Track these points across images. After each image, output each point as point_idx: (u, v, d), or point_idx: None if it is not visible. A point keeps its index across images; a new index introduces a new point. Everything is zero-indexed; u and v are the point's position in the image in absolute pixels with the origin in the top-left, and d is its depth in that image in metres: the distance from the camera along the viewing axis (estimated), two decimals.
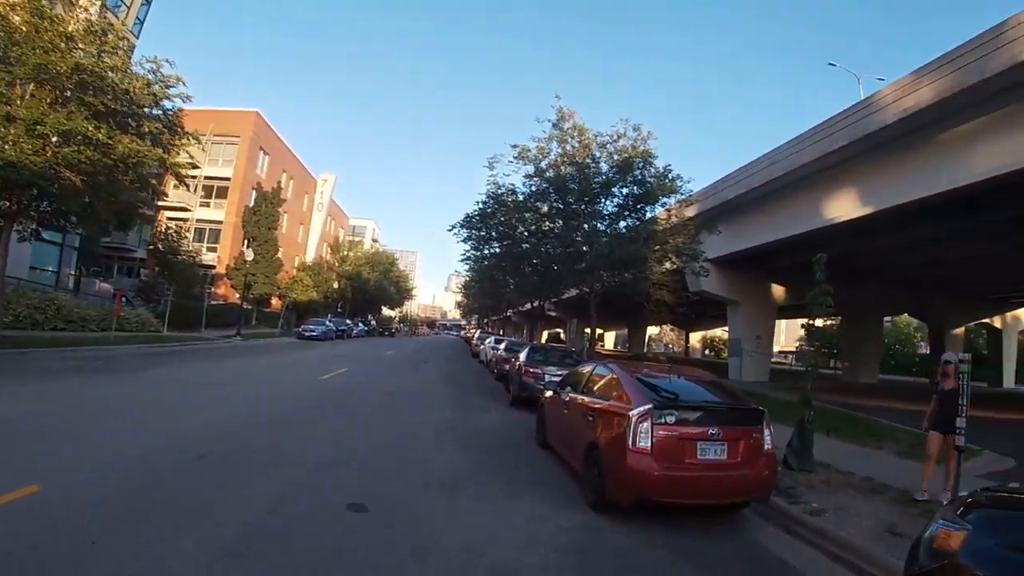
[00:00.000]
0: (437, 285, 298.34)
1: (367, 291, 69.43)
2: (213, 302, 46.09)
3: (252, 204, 50.59)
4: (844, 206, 22.40)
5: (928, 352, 53.54)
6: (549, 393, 10.96)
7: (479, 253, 34.70)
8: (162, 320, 30.76)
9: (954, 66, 16.25)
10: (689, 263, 24.61)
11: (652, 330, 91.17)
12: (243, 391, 14.41)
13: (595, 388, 8.74)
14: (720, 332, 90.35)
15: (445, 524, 6.20)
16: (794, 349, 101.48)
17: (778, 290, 35.48)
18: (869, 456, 11.89)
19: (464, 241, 30.43)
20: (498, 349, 26.54)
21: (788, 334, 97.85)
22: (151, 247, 37.13)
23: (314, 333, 42.78)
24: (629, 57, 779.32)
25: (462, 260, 39.55)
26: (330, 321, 50.55)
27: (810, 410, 10.07)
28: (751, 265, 31.43)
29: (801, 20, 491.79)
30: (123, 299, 26.94)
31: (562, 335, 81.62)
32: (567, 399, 9.38)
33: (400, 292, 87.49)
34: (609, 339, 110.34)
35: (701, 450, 6.83)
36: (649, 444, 6.71)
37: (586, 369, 9.97)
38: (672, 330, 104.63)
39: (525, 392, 15.79)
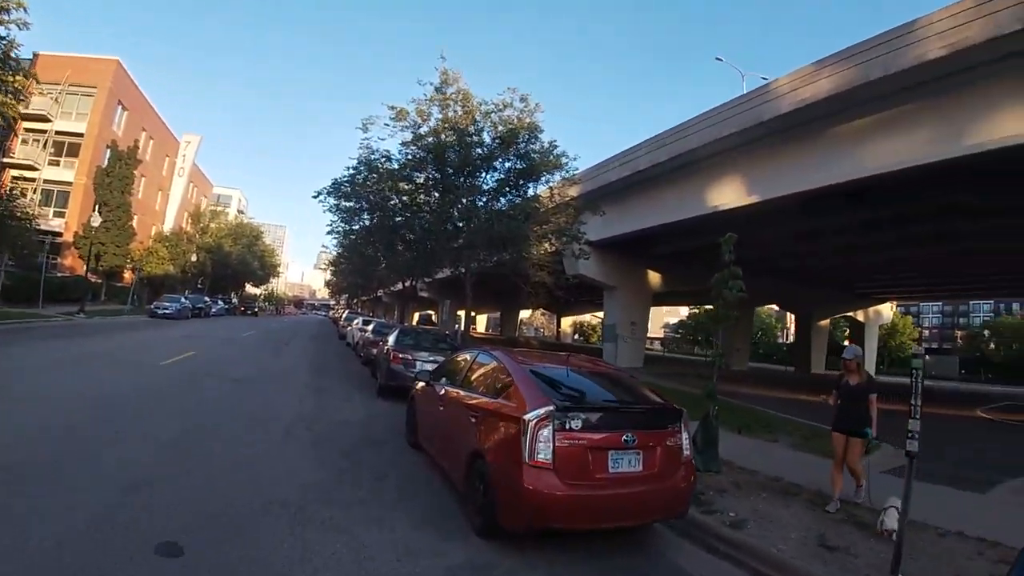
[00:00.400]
0: (307, 263, 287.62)
1: (229, 266, 64.75)
2: (59, 274, 41.55)
3: (106, 164, 45.32)
4: (731, 194, 22.21)
5: (791, 341, 56.18)
6: (421, 384, 9.34)
7: (348, 227, 32.40)
8: None
9: (859, 59, 16.21)
10: (569, 245, 23.60)
11: (523, 314, 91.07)
12: (59, 384, 11.91)
13: (477, 382, 7.37)
14: (590, 317, 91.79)
15: (286, 571, 4.57)
16: (661, 336, 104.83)
17: (654, 277, 35.52)
18: (766, 450, 11.32)
19: (332, 211, 28.04)
20: (365, 331, 24.61)
21: (655, 321, 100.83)
22: None
23: (167, 311, 39.08)
24: (522, 35, 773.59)
25: (329, 233, 36.87)
26: (186, 298, 46.67)
27: (715, 404, 9.11)
28: (630, 250, 31.12)
29: (693, 17, 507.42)
30: None
31: (434, 317, 79.85)
32: (442, 393, 7.95)
33: (265, 268, 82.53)
34: (481, 322, 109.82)
35: (613, 461, 5.56)
36: (551, 456, 5.33)
37: (465, 357, 8.54)
38: (543, 314, 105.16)
39: (394, 381, 14.08)
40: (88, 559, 4.34)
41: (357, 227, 31.44)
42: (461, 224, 22.33)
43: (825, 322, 49.20)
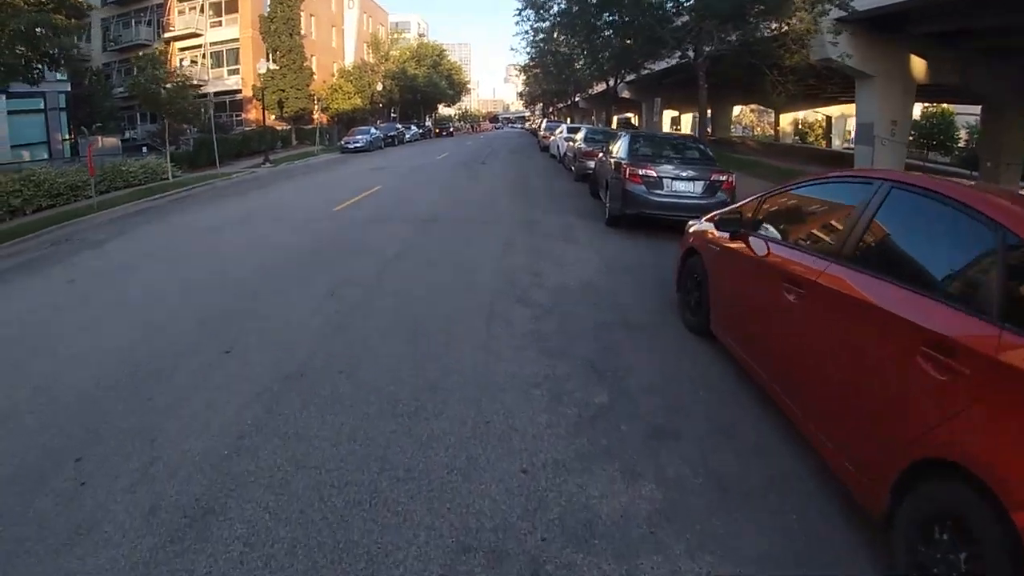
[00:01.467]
0: (496, 79, 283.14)
1: (417, 89, 62.13)
2: (246, 128, 41.22)
3: (267, 12, 43.20)
4: None
5: None
6: (718, 233, 5.23)
7: (539, 19, 28.08)
8: (180, 163, 25.90)
9: None
10: (824, 14, 17.25)
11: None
12: (200, 258, 9.44)
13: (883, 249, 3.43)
14: (811, 114, 79.17)
15: None
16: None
17: (919, 64, 27.36)
18: None
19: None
20: (574, 140, 20.62)
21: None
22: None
23: (359, 144, 37.40)
24: None
25: (520, 36, 32.59)
26: (377, 128, 45.00)
27: None
28: (890, 28, 23.37)
29: None
30: (93, 152, 20.42)
31: (634, 120, 73.12)
32: (799, 264, 3.91)
33: (455, 87, 79.41)
34: (685, 123, 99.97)
35: None
36: None
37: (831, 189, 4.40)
38: (753, 111, 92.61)
39: (633, 208, 10.31)
40: None
41: (548, 20, 27.65)
42: None
43: None
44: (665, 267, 7.49)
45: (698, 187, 10.08)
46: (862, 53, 24.15)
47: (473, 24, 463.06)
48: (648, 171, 10.10)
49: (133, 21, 47.09)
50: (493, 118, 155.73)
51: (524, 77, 67.72)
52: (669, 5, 18.57)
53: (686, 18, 18.33)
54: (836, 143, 70.14)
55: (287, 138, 42.15)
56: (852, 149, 27.19)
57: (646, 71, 30.66)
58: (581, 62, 34.07)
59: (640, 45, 20.61)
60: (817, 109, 71.11)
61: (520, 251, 9.19)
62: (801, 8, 16.78)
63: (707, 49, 18.21)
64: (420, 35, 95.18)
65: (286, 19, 42.18)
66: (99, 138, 33.62)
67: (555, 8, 26.96)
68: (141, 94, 25.82)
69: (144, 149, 23.96)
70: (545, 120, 52.75)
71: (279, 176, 23.95)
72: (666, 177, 10.04)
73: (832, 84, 35.72)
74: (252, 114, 45.34)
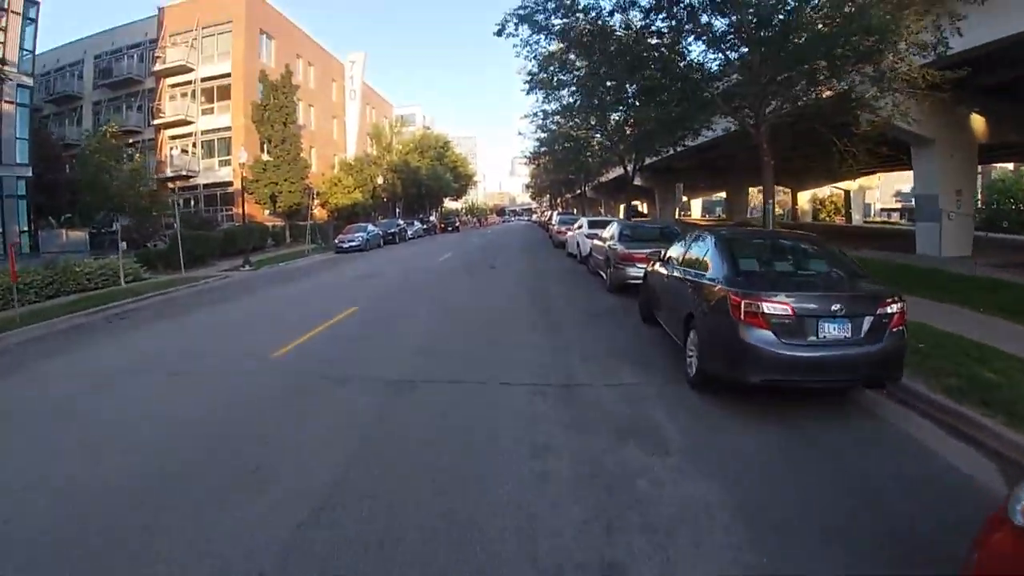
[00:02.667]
0: (502, 172, 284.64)
1: (420, 182, 59.11)
2: (235, 224, 37.95)
3: (261, 98, 40.20)
4: None
5: None
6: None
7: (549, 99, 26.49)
8: (152, 263, 22.98)
9: None
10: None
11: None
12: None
13: None
14: (828, 191, 75.63)
15: None
16: (897, 207, 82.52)
17: (978, 122, 23.79)
18: None
19: (525, 51, 18.70)
20: (603, 238, 16.66)
21: (885, 190, 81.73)
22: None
23: (354, 243, 33.74)
24: None
25: (528, 117, 29.67)
26: (376, 224, 41.79)
27: None
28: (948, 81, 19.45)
29: None
30: (16, 251, 16.34)
31: (642, 208, 69.78)
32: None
33: (460, 179, 76.84)
34: (695, 207, 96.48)
35: None
36: None
37: None
38: (760, 191, 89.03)
39: (756, 372, 5.99)
40: None
41: (557, 101, 26.51)
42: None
43: None
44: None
45: (859, 328, 5.83)
46: (921, 114, 20.18)
47: (478, 114, 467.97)
48: (780, 305, 5.79)
49: (124, 106, 45.17)
50: (500, 211, 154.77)
51: (531, 168, 65.02)
52: (716, 62, 14.81)
53: (735, 77, 14.59)
54: (856, 218, 66.59)
55: (279, 235, 38.38)
56: (873, 223, 23.10)
57: (681, 147, 27.00)
58: (595, 144, 31.03)
59: (684, 113, 16.66)
60: (836, 185, 67.72)
61: (565, 485, 4.70)
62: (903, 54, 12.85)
63: (769, 111, 14.26)
64: (425, 127, 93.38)
65: (280, 107, 39.04)
66: (64, 231, 30.30)
67: (566, 89, 24.39)
68: (86, 185, 22.27)
69: (124, 244, 20.33)
70: (555, 213, 49.10)
71: (250, 285, 19.99)
72: (810, 315, 5.76)
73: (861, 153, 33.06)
74: (243, 208, 42.07)
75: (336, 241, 34.54)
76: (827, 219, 69.86)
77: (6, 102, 27.18)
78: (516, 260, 24.72)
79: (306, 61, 52.86)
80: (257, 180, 37.86)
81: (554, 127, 34.20)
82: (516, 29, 16.58)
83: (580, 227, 22.70)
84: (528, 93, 24.63)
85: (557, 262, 23.49)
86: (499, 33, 16.66)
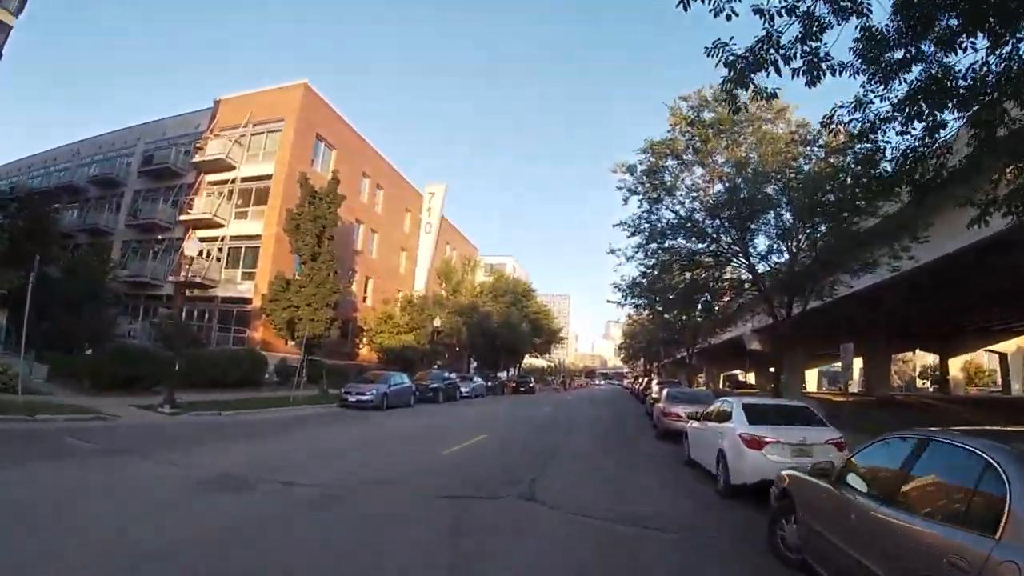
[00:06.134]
0: (595, 334, 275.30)
1: (489, 331, 49.87)
2: (231, 347, 30.18)
3: (298, 205, 31.93)
4: None
5: None
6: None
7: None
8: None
9: None
10: None
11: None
12: None
13: None
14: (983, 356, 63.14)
15: None
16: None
17: None
18: None
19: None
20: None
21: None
22: None
23: (364, 398, 24.18)
24: None
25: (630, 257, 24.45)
26: (430, 375, 34.01)
27: None
28: None
29: None
30: None
31: (743, 377, 59.03)
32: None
33: (541, 333, 67.20)
34: (810, 378, 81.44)
35: None
36: None
37: None
38: (902, 359, 75.11)
39: None
40: None
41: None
42: None
43: None
44: None
45: None
46: None
47: (574, 276, 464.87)
48: None
49: (161, 199, 39.81)
50: (589, 373, 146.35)
51: (624, 324, 55.77)
52: None
53: None
54: (1016, 387, 54.70)
55: (288, 371, 28.62)
56: None
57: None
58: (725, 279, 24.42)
59: None
60: (991, 348, 57.20)
61: None
62: None
63: None
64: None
65: (315, 217, 30.25)
66: None
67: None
68: None
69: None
70: (655, 381, 37.65)
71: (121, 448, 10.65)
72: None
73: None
74: (259, 332, 33.82)
75: (343, 392, 24.86)
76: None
77: None
78: (589, 465, 13.30)
79: (373, 183, 46.40)
80: (275, 300, 29.14)
81: (663, 254, 23.81)
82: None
83: (729, 418, 11.27)
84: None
85: (659, 472, 12.74)
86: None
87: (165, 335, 27.53)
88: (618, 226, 23.49)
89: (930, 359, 71.05)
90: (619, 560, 6.44)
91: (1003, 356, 55.98)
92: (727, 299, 28.67)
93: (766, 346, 41.25)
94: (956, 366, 61.65)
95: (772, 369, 39.10)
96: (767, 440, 9.45)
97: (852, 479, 5.27)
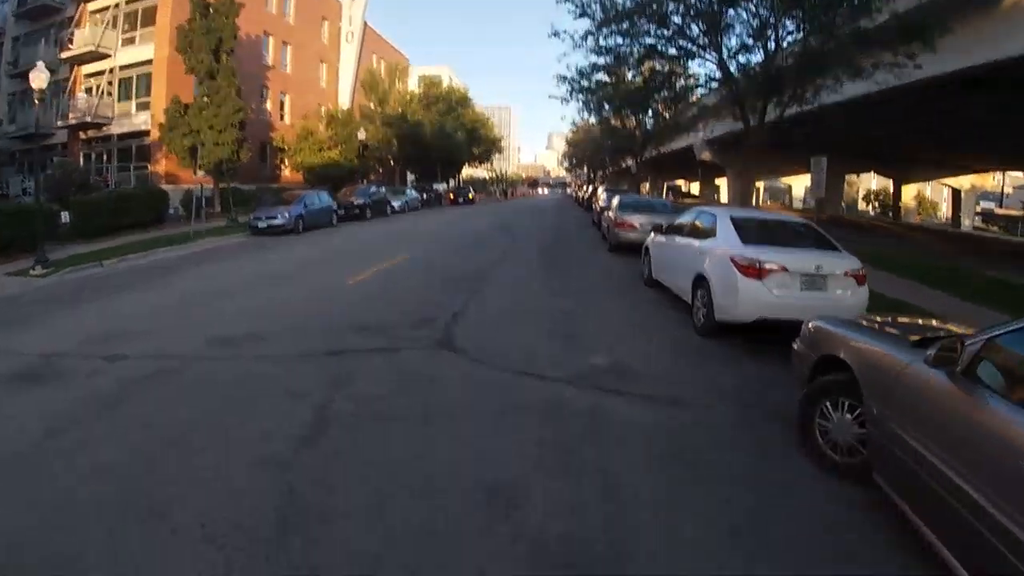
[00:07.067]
0: (538, 145, 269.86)
1: (422, 142, 46.37)
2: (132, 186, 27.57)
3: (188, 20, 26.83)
4: None
5: None
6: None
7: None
8: None
9: None
10: None
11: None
12: None
13: None
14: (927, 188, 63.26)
15: None
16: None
17: None
18: None
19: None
20: None
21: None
22: None
23: (276, 222, 21.78)
24: None
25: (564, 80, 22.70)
26: (359, 191, 31.80)
27: None
28: None
29: None
30: None
31: (685, 188, 58.15)
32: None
33: (479, 142, 63.59)
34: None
35: None
36: None
37: None
38: (859, 177, 74.34)
39: None
40: None
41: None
42: None
43: None
44: None
45: None
46: None
47: (516, 88, 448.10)
48: None
49: (43, 40, 34.82)
50: (533, 182, 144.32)
51: (568, 133, 53.07)
52: None
53: None
54: (965, 223, 56.18)
55: (188, 203, 25.41)
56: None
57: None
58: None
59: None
60: (943, 181, 58.74)
61: None
62: None
63: None
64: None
65: (207, 30, 25.83)
66: None
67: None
68: None
69: None
70: (602, 189, 35.11)
71: None
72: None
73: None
74: (163, 164, 30.71)
75: (252, 217, 22.21)
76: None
77: None
78: (529, 291, 11.53)
79: None
80: (174, 128, 25.46)
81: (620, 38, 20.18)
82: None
83: (713, 230, 9.06)
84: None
85: (623, 301, 11.07)
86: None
87: (50, 185, 23.97)
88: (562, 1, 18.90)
89: (874, 183, 71.17)
90: (573, 472, 4.37)
91: (956, 191, 56.65)
92: (693, 98, 25.69)
93: (716, 156, 41.02)
94: (908, 194, 61.32)
95: (679, 181, 37.74)
96: (770, 267, 7.42)
97: (1003, 377, 3.04)
